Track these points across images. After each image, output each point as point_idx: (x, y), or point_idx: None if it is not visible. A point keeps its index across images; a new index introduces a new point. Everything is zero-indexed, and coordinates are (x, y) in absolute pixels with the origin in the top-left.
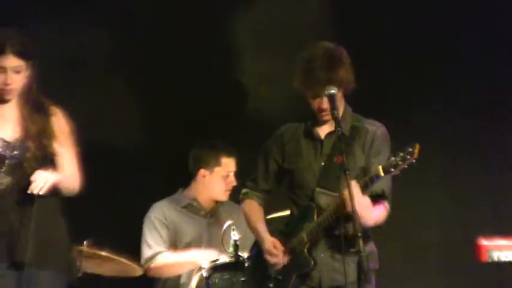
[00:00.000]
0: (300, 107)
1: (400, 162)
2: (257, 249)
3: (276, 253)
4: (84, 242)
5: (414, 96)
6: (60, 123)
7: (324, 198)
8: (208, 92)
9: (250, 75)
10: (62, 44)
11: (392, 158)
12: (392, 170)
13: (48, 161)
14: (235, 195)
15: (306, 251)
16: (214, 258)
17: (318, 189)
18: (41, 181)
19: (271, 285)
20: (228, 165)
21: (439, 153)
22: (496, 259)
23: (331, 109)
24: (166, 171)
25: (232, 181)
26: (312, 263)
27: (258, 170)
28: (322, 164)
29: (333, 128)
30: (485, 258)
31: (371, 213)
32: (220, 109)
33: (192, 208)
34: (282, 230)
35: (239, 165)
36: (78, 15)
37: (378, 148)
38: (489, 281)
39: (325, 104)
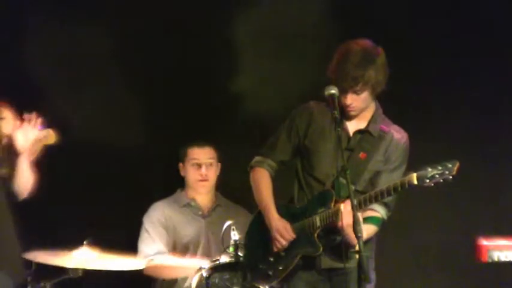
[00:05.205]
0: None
1: (436, 176)
2: (258, 221)
3: (287, 237)
4: (84, 242)
5: (414, 95)
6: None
7: (344, 189)
8: (208, 92)
9: (250, 75)
10: (62, 44)
11: (429, 169)
12: (427, 181)
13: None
14: (235, 195)
15: (316, 236)
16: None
17: (341, 179)
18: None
19: (271, 259)
20: (193, 153)
21: (439, 152)
22: (496, 259)
23: (332, 109)
24: (166, 171)
25: (202, 173)
26: (320, 249)
27: (278, 138)
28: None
29: (361, 126)
30: (485, 258)
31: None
32: (220, 109)
33: (190, 208)
34: (290, 207)
35: (239, 165)
36: (78, 15)
37: (398, 158)
38: (489, 281)
39: (349, 100)
